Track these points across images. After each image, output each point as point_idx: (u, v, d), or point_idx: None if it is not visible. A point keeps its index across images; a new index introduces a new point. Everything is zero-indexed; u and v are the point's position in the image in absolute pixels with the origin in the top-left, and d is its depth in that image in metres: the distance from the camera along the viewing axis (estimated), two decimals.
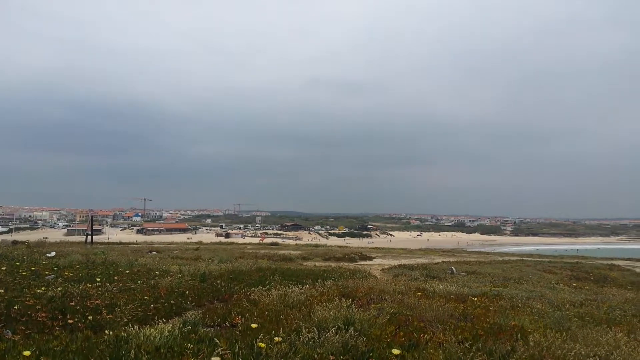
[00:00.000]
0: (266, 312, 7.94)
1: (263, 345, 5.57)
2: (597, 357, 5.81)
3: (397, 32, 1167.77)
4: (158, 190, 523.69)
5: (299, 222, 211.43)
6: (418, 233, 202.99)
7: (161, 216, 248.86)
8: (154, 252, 27.70)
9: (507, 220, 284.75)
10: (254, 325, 6.85)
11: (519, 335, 6.68)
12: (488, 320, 7.99)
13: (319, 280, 12.18)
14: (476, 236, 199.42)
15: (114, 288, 10.46)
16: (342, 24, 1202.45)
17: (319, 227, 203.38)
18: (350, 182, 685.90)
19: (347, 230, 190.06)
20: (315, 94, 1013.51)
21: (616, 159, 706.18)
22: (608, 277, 25.08)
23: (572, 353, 5.89)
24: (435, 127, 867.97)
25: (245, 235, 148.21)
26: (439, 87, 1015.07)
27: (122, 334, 5.93)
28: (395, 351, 5.67)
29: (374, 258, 32.97)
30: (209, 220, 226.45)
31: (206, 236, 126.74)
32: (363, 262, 28.67)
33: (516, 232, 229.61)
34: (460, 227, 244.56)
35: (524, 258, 37.58)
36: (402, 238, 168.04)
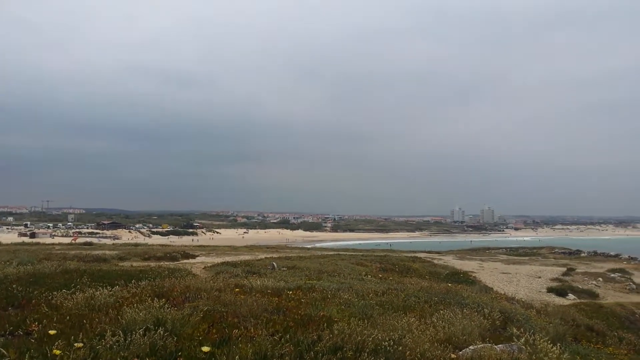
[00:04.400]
0: (68, 317, 7.30)
1: (58, 352, 5.12)
2: (391, 340, 6.39)
3: (228, 26, 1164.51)
4: None
5: (118, 221, 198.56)
6: (245, 230, 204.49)
7: None
8: None
9: (328, 217, 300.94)
10: (52, 332, 6.24)
11: (326, 325, 7.08)
12: (300, 312, 8.38)
13: (133, 281, 11.58)
14: (299, 233, 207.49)
15: None
16: (171, 12, 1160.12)
17: (141, 225, 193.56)
18: (176, 179, 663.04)
19: (171, 229, 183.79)
20: (140, 83, 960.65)
21: (421, 162, 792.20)
22: (411, 268, 27.92)
23: (371, 338, 6.41)
24: (264, 125, 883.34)
25: (54, 235, 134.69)
26: (269, 85, 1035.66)
27: None
28: (205, 348, 5.64)
29: (198, 256, 32.38)
30: (10, 219, 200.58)
31: (7, 236, 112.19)
32: (185, 261, 27.96)
33: (335, 228, 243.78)
34: (285, 224, 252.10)
35: (340, 252, 40.11)
36: (228, 236, 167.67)
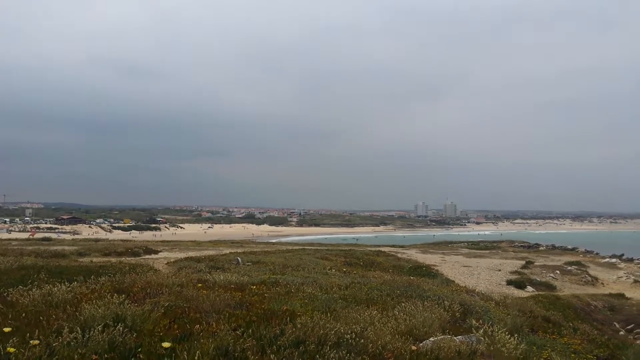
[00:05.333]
0: (24, 314, 7.09)
1: (13, 350, 4.98)
2: (353, 333, 6.46)
3: (189, 20, 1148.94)
4: None
5: (78, 215, 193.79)
6: (209, 225, 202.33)
7: None
8: None
9: (294, 212, 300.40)
10: (7, 329, 6.04)
11: (289, 319, 7.08)
12: (263, 306, 8.36)
13: (93, 277, 11.33)
14: (265, 227, 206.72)
15: None
16: (130, 1, 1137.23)
17: (102, 220, 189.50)
18: (138, 173, 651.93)
19: (133, 224, 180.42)
20: (96, 74, 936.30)
21: (386, 157, 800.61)
22: (375, 262, 28.23)
23: (333, 332, 6.46)
24: (228, 120, 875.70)
25: (11, 230, 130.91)
26: (231, 79, 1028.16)
27: None
28: (166, 344, 5.56)
29: (160, 251, 31.89)
30: None
31: None
32: (148, 256, 27.51)
33: (301, 223, 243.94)
34: (250, 218, 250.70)
35: (305, 247, 40.08)
36: (192, 231, 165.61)
